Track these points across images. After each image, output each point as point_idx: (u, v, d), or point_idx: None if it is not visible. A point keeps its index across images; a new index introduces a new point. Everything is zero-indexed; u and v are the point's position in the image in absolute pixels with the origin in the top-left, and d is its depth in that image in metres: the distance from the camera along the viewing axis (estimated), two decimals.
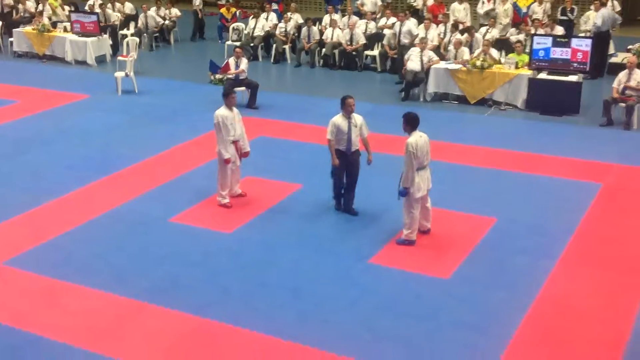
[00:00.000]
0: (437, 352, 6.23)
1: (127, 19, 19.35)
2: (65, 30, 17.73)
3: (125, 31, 18.81)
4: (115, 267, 7.74)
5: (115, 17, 18.77)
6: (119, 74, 14.64)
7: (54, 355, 6.24)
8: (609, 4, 15.71)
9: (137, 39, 16.67)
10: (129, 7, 19.51)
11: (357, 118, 8.68)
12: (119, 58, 15.83)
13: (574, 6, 16.46)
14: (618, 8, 16.00)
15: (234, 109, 9.06)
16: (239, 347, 6.35)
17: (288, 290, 7.25)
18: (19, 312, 6.88)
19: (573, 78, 13.04)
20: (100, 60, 17.39)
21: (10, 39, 18.30)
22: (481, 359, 6.13)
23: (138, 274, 7.59)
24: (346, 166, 8.76)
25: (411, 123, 7.98)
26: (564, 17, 16.20)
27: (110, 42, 17.79)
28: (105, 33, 17.72)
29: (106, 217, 8.96)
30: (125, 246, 8.23)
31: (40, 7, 19.18)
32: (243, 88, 13.56)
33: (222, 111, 8.93)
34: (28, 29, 17.96)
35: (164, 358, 6.21)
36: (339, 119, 8.62)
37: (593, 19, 15.31)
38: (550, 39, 13.49)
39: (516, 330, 6.50)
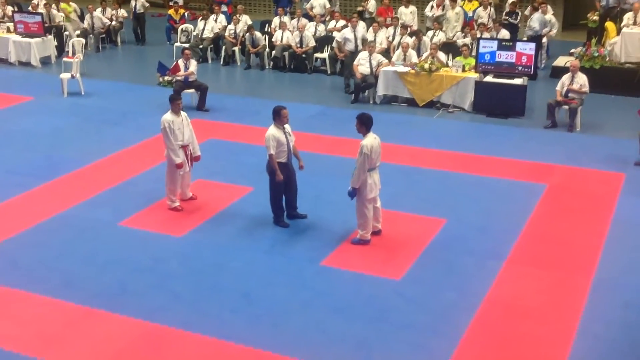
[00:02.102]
0: (388, 354, 6.29)
1: None
2: (8, 30, 17.27)
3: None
4: (63, 273, 7.59)
5: (60, 17, 18.36)
6: (65, 76, 14.34)
7: None
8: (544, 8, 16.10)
9: (83, 40, 16.36)
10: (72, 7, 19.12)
11: (287, 127, 8.43)
12: (65, 59, 15.51)
13: (517, 10, 16.84)
14: (551, 12, 16.40)
15: (182, 113, 8.97)
16: (190, 351, 6.29)
17: (239, 294, 7.22)
18: None
19: (518, 81, 13.34)
20: (45, 61, 17.00)
21: None
22: (432, 359, 6.21)
23: (86, 280, 7.45)
24: (288, 178, 8.50)
25: (366, 124, 8.00)
26: (507, 22, 16.56)
27: (55, 43, 17.42)
28: (50, 34, 17.33)
29: (52, 221, 8.77)
30: (73, 251, 8.07)
31: None
32: (192, 90, 13.45)
33: (168, 116, 8.83)
34: None
35: None
36: (275, 132, 8.27)
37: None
38: (496, 42, 13.75)
39: (465, 331, 6.61)
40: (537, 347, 6.40)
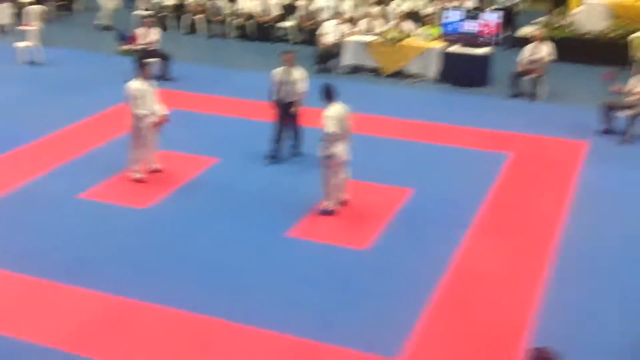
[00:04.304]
0: (353, 321, 6.30)
1: None
2: None
3: None
4: (21, 246, 7.42)
5: None
6: (22, 44, 13.92)
7: None
8: None
9: (41, 8, 15.88)
10: None
11: (296, 72, 9.30)
12: (22, 27, 15.03)
13: None
14: None
15: (149, 81, 8.79)
16: (153, 323, 6.22)
17: (203, 265, 7.16)
18: None
19: (482, 51, 13.35)
20: (1, 29, 16.47)
21: None
22: (396, 326, 6.24)
23: (46, 253, 7.30)
24: (283, 115, 9.41)
25: (328, 94, 7.97)
26: None
27: (12, 11, 16.88)
28: (6, 1, 16.79)
29: (10, 195, 8.56)
30: (31, 224, 7.89)
31: None
32: (155, 59, 13.17)
33: (135, 84, 8.63)
34: None
35: (75, 337, 6.01)
36: (278, 70, 9.36)
37: None
38: (461, 12, 13.74)
39: (430, 298, 6.65)
40: (501, 313, 6.46)
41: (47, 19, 17.02)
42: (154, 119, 8.79)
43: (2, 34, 16.35)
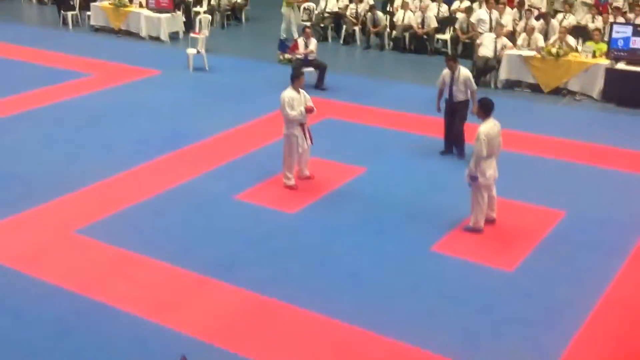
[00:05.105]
0: (496, 343, 6.13)
1: None
2: (140, 5, 18.08)
3: (198, 8, 19.04)
4: (180, 241, 7.89)
5: None
6: (191, 51, 14.85)
7: (117, 323, 6.41)
8: None
9: (210, 17, 16.85)
10: None
11: (462, 73, 9.78)
12: (191, 35, 16.03)
13: None
14: None
15: (301, 90, 9.06)
16: (297, 326, 6.39)
17: (347, 274, 7.25)
18: (87, 279, 7.11)
19: None
20: (173, 36, 17.67)
21: (88, 13, 18.80)
22: (542, 354, 5.99)
23: (201, 249, 7.72)
24: (450, 113, 10.01)
25: (485, 109, 7.83)
26: None
27: (184, 19, 18.04)
28: (179, 10, 17.98)
29: (173, 191, 9.13)
30: (190, 221, 8.37)
31: None
32: (311, 69, 13.55)
33: (289, 92, 8.93)
34: (105, 3, 18.36)
35: (221, 331, 6.31)
36: (445, 72, 9.95)
37: None
38: (631, 27, 12.96)
39: (580, 328, 6.32)
40: None
41: (215, 27, 18.03)
42: (306, 127, 9.02)
43: (175, 41, 17.50)
